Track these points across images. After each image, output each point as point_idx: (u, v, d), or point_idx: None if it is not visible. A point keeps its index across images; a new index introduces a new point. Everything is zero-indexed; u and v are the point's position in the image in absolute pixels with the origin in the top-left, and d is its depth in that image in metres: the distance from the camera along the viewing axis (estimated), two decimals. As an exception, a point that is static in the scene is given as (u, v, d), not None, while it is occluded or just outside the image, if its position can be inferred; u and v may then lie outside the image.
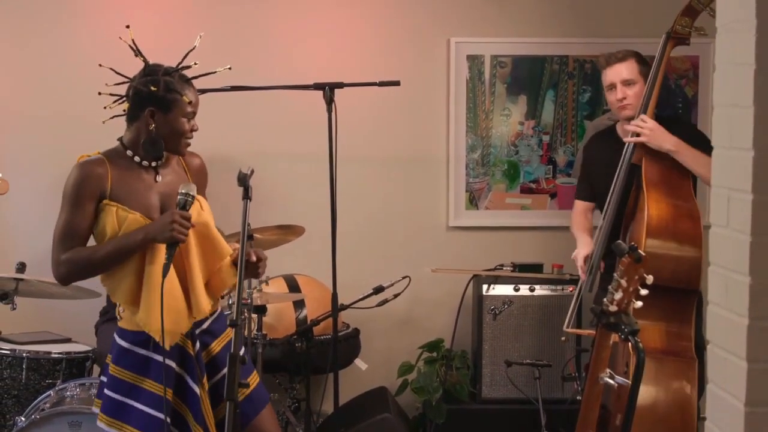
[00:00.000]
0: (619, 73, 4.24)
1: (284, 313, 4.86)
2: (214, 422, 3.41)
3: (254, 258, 3.42)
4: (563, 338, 4.47)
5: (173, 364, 3.38)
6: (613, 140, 4.39)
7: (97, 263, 3.34)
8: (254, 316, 4.54)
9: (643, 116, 4.11)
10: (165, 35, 4.70)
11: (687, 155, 4.06)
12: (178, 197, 3.32)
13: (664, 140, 4.08)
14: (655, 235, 3.90)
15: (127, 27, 3.40)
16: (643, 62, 4.26)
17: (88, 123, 3.52)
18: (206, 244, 3.44)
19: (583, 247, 4.33)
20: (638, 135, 4.11)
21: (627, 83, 4.23)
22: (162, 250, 3.29)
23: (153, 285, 3.29)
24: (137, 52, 3.42)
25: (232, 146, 5.12)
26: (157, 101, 3.36)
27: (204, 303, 3.41)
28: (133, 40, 3.41)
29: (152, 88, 3.33)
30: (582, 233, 4.44)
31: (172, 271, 3.32)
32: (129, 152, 3.42)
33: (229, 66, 3.58)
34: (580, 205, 4.57)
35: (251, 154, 5.00)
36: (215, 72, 3.52)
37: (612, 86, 4.26)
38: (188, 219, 3.28)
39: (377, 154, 5.34)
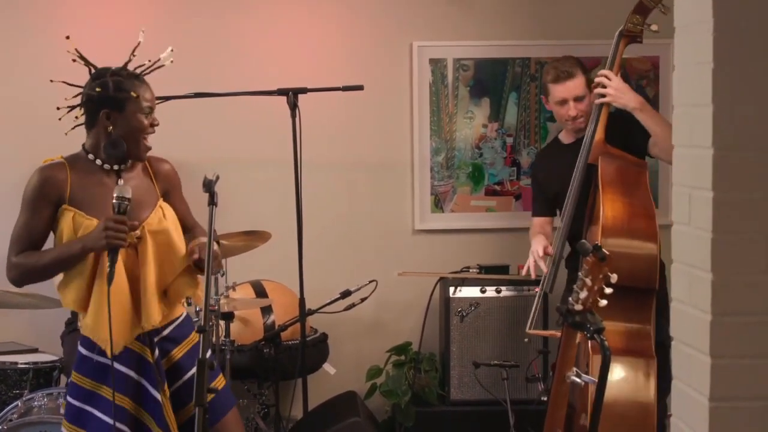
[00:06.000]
0: (570, 90, 4.28)
1: (252, 319, 4.85)
2: (177, 426, 3.41)
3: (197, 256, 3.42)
4: (526, 339, 4.51)
5: (131, 372, 3.39)
6: (558, 149, 4.47)
7: (41, 270, 3.37)
8: (222, 322, 4.53)
9: (606, 72, 4.08)
10: (130, 42, 4.67)
11: (649, 114, 4.06)
12: (113, 201, 3.31)
13: (629, 99, 4.05)
14: (611, 235, 3.91)
15: (67, 38, 3.41)
16: (586, 70, 4.34)
17: (50, 127, 3.50)
18: (165, 253, 3.43)
19: (539, 243, 4.33)
20: (603, 96, 4.07)
21: (579, 99, 4.28)
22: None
23: (100, 293, 3.29)
24: (86, 62, 3.43)
25: (196, 152, 5.09)
26: (109, 102, 3.36)
27: (154, 313, 3.40)
28: (76, 49, 3.42)
29: (97, 90, 3.34)
30: (538, 236, 4.45)
31: (123, 279, 3.33)
32: (91, 156, 3.43)
33: (171, 48, 3.51)
34: (537, 221, 4.59)
35: (216, 160, 4.99)
36: (159, 61, 3.48)
37: (564, 102, 4.30)
38: (123, 222, 3.27)
39: (342, 159, 5.35)
